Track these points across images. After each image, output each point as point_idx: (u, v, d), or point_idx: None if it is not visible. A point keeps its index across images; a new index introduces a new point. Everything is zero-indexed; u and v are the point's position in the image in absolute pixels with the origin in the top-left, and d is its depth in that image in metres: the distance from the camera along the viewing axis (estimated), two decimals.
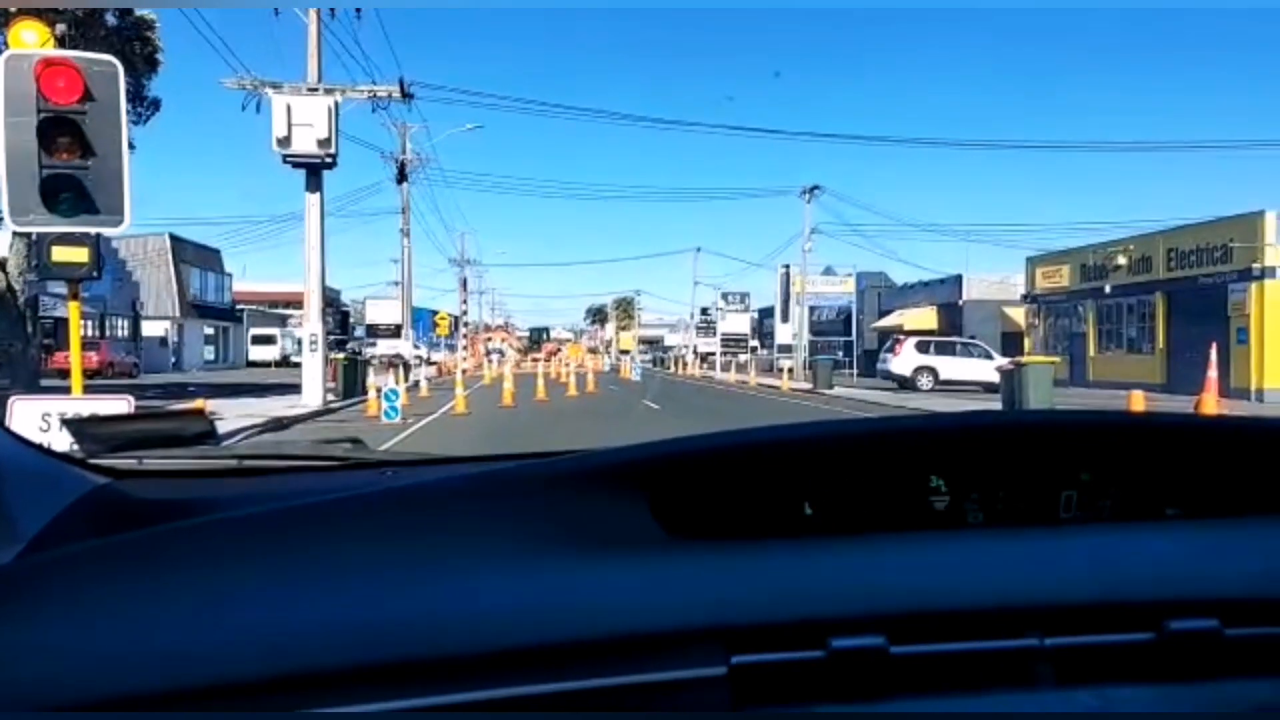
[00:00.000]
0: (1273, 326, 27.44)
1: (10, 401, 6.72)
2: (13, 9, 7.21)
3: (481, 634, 0.82)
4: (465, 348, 61.80)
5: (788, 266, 49.19)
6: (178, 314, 54.63)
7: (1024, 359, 19.40)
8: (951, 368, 31.13)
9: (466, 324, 69.58)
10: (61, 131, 6.55)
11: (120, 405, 6.86)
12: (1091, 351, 36.03)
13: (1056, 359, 23.40)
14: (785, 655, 0.83)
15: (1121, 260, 33.87)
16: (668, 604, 0.85)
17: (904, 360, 31.53)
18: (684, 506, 1.04)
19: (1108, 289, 34.66)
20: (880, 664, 0.83)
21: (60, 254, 6.94)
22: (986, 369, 28.46)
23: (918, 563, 0.92)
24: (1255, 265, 27.73)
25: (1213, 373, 15.43)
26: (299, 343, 28.07)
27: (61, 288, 21.06)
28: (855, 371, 44.81)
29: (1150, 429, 1.21)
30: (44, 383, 22.38)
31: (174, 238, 54.33)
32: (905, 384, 30.92)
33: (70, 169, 6.61)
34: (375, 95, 22.20)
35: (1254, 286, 27.81)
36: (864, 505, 1.12)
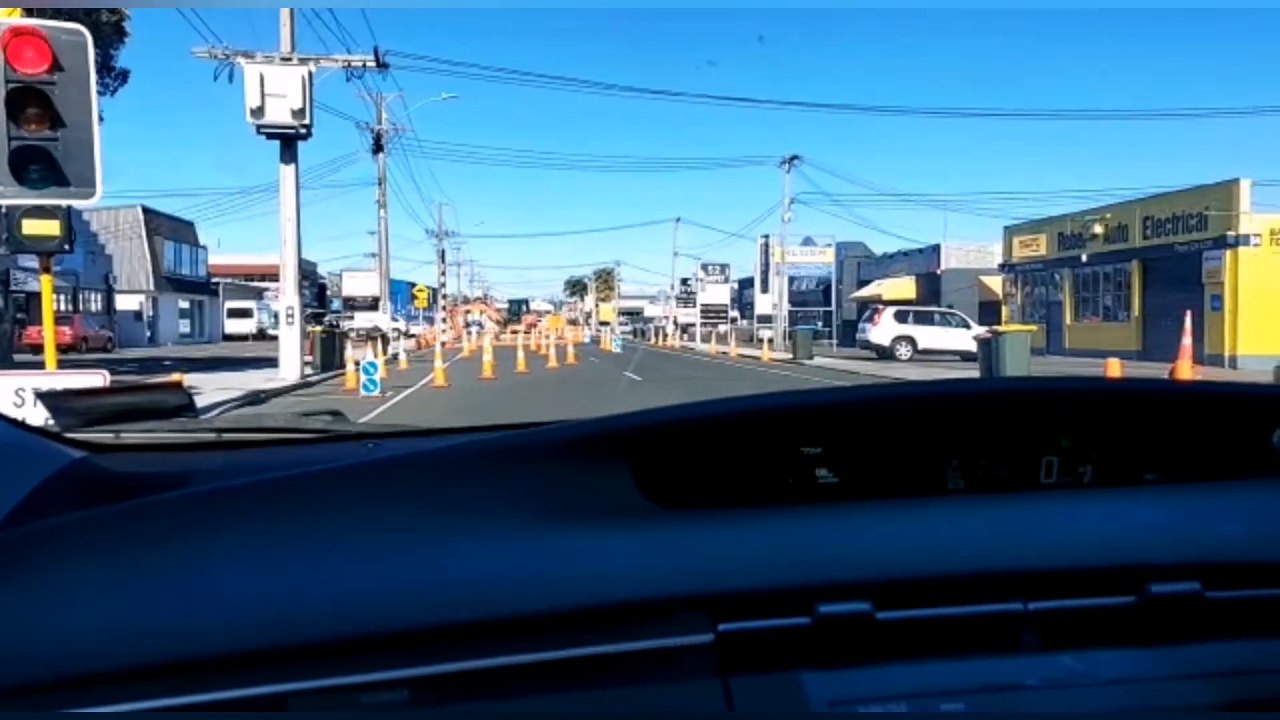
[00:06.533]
0: (1247, 293, 27.73)
1: None
2: None
3: (466, 604, 0.81)
4: (444, 320, 61.58)
5: (767, 237, 49.18)
6: (152, 287, 54.10)
7: (1001, 328, 19.51)
8: (929, 337, 31.31)
9: (445, 296, 69.29)
10: (30, 102, 6.44)
11: (95, 380, 6.79)
12: (1068, 320, 36.31)
13: (1033, 327, 23.54)
14: (772, 622, 0.84)
15: (1098, 229, 34.08)
16: (653, 572, 0.85)
17: (882, 330, 31.69)
18: (668, 476, 1.03)
19: (1084, 258, 34.88)
20: (867, 629, 0.84)
21: (31, 227, 6.85)
22: (964, 338, 28.63)
23: (902, 529, 0.92)
24: (1230, 233, 27.98)
25: (1188, 340, 15.58)
26: (275, 316, 27.85)
27: (33, 261, 20.78)
28: (835, 341, 44.99)
29: (1129, 395, 1.21)
30: (17, 358, 22.14)
31: (147, 210, 53.68)
32: (884, 353, 31.09)
33: (40, 140, 6.51)
34: (350, 65, 21.93)
35: (1229, 254, 28.07)
36: (846, 473, 1.12)
